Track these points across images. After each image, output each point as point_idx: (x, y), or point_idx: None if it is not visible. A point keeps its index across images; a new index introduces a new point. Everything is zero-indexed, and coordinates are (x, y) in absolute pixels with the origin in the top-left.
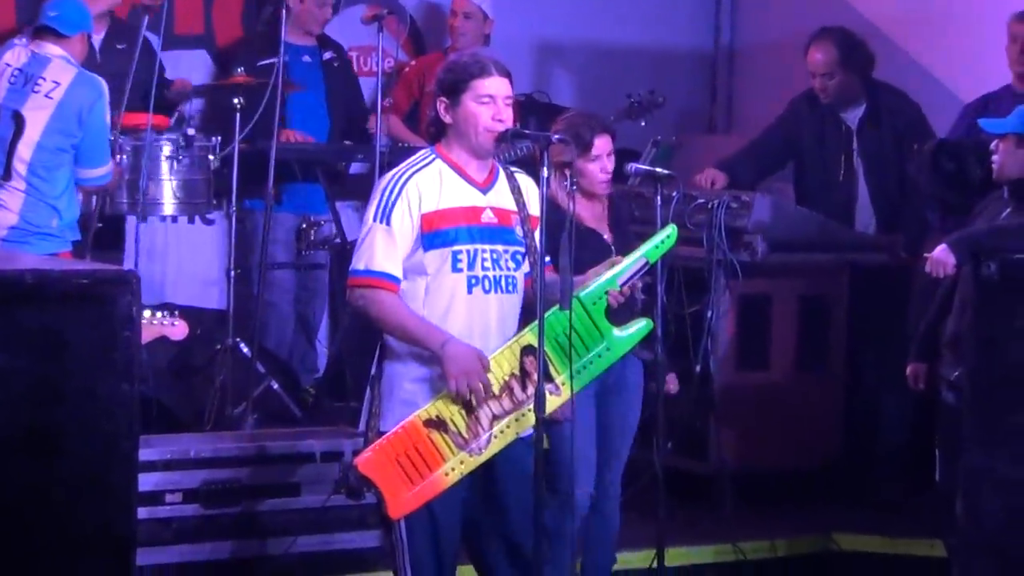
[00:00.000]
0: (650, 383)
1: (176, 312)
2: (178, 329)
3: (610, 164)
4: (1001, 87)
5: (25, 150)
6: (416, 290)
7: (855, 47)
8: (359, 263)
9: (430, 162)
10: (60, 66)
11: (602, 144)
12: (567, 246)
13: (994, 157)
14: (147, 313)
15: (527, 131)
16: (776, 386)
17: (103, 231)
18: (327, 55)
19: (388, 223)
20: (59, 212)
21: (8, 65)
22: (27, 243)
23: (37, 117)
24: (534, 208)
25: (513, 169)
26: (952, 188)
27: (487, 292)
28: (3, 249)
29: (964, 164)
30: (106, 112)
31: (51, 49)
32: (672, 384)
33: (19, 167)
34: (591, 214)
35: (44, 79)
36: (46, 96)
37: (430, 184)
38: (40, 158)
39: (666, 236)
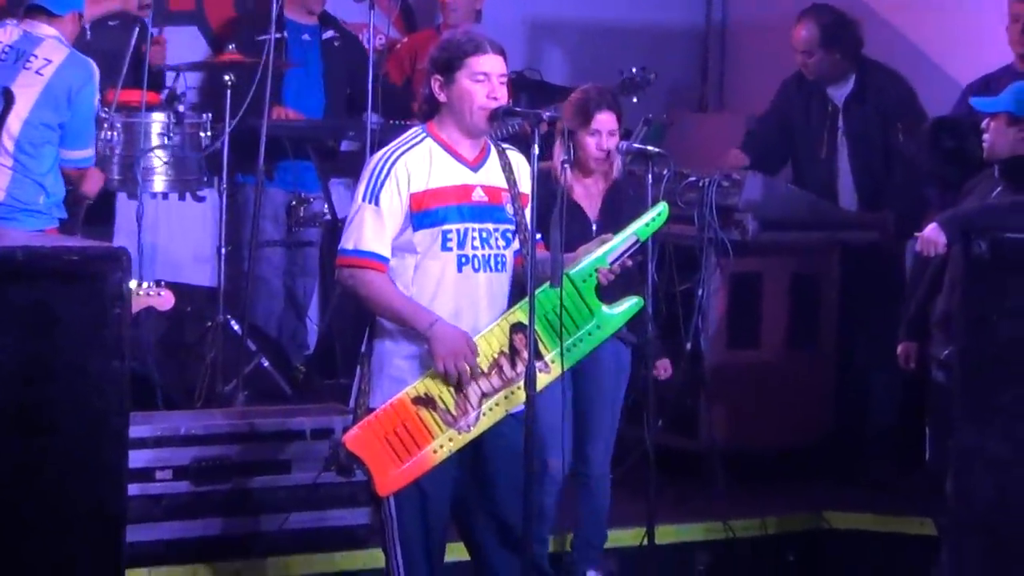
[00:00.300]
0: (639, 362)
1: (162, 283)
2: (164, 299)
3: (609, 142)
4: (1001, 67)
5: (13, 126)
6: (405, 268)
7: (839, 26)
8: (348, 243)
9: (420, 141)
10: (52, 45)
11: (603, 120)
12: (557, 222)
13: (985, 136)
14: (133, 284)
15: (519, 108)
16: (767, 364)
17: (93, 207)
18: (327, 34)
19: (377, 203)
20: (45, 189)
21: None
22: (14, 220)
23: (26, 93)
24: (525, 186)
25: (505, 146)
26: (952, 165)
27: (477, 271)
28: None
29: (964, 141)
30: (95, 96)
31: (44, 29)
32: (664, 370)
33: (7, 143)
34: (584, 190)
35: (36, 56)
36: (36, 73)
37: (420, 163)
38: (28, 134)
39: (657, 214)
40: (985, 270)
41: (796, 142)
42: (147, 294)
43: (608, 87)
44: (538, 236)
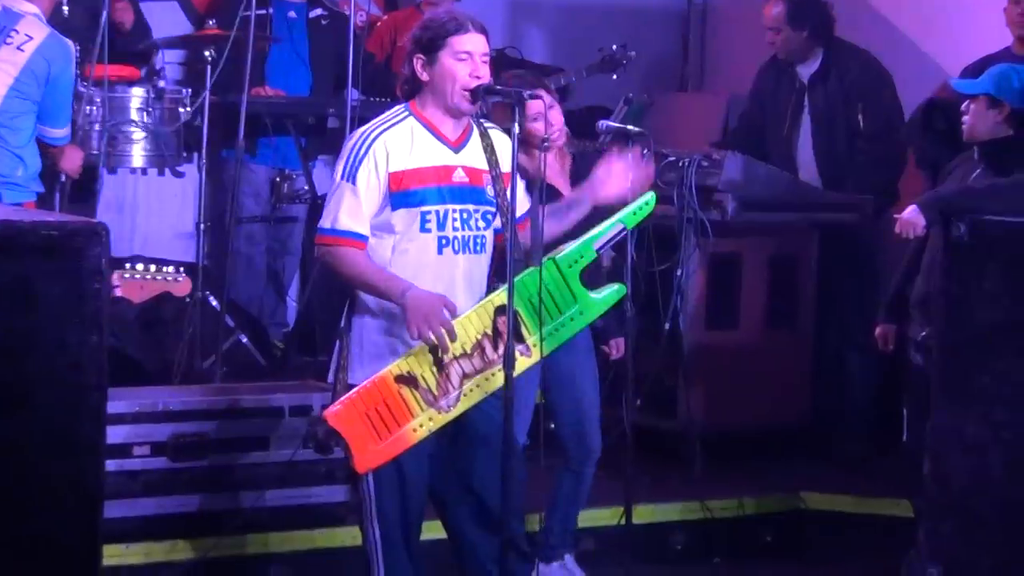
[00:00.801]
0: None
1: (181, 268)
2: (182, 285)
3: (554, 117)
4: (1001, 49)
5: None
6: (384, 249)
7: (805, 5)
8: (326, 221)
9: (402, 119)
10: (32, 21)
11: (535, 106)
12: (535, 204)
13: (965, 118)
14: (153, 267)
15: (499, 87)
16: (745, 345)
17: (73, 182)
18: (315, 12)
19: (354, 182)
20: (24, 162)
21: None
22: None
23: (7, 68)
24: (507, 165)
25: (488, 125)
26: (944, 147)
27: (456, 252)
28: None
29: (956, 123)
30: (73, 75)
31: (24, 5)
32: (616, 349)
33: None
34: (550, 170)
35: (17, 31)
36: (18, 48)
37: (400, 142)
38: (7, 107)
39: (644, 203)
40: (964, 252)
41: (766, 120)
42: (164, 279)
43: (524, 72)
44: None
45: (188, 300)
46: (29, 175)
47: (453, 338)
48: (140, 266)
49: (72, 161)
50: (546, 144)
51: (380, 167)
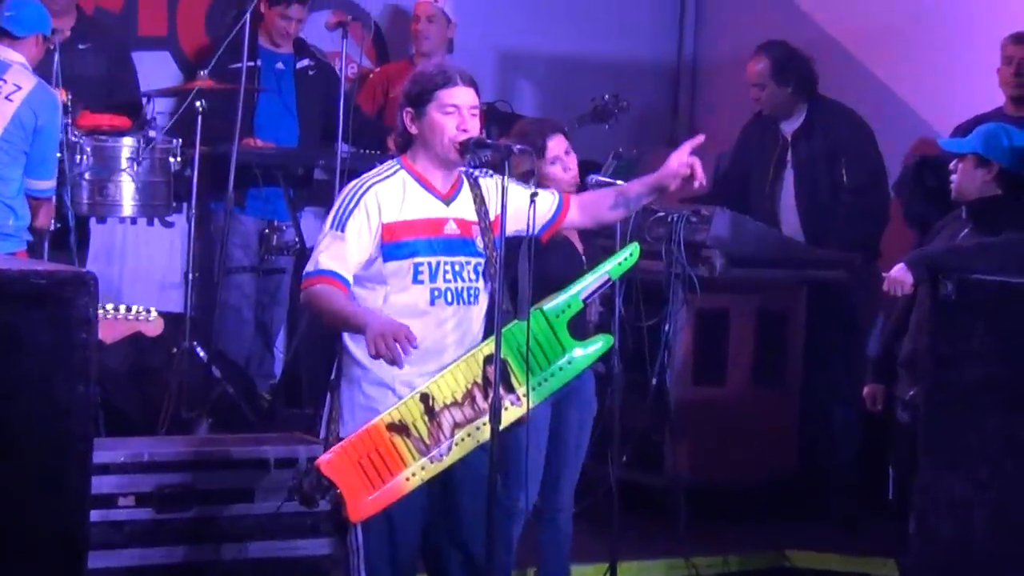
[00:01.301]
0: (605, 395)
1: (152, 309)
2: (153, 325)
3: (571, 162)
4: (992, 110)
5: None
6: (375, 299)
7: (790, 61)
8: (310, 266)
9: (394, 172)
10: (19, 71)
11: (556, 144)
12: (527, 254)
13: (952, 176)
14: (123, 308)
15: (489, 140)
16: (732, 401)
17: (63, 232)
18: (302, 63)
19: (342, 231)
20: (15, 212)
21: None
22: None
23: None
24: (497, 208)
25: (476, 173)
26: (934, 205)
27: (448, 304)
28: None
29: (946, 181)
30: (59, 126)
31: (10, 54)
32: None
33: None
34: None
35: (5, 81)
36: (6, 99)
37: (392, 195)
38: None
39: (628, 255)
40: (951, 311)
41: (749, 176)
42: (136, 319)
43: (541, 117)
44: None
45: (175, 351)
46: (21, 225)
47: (407, 353)
48: (110, 306)
49: (46, 219)
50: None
51: (372, 218)
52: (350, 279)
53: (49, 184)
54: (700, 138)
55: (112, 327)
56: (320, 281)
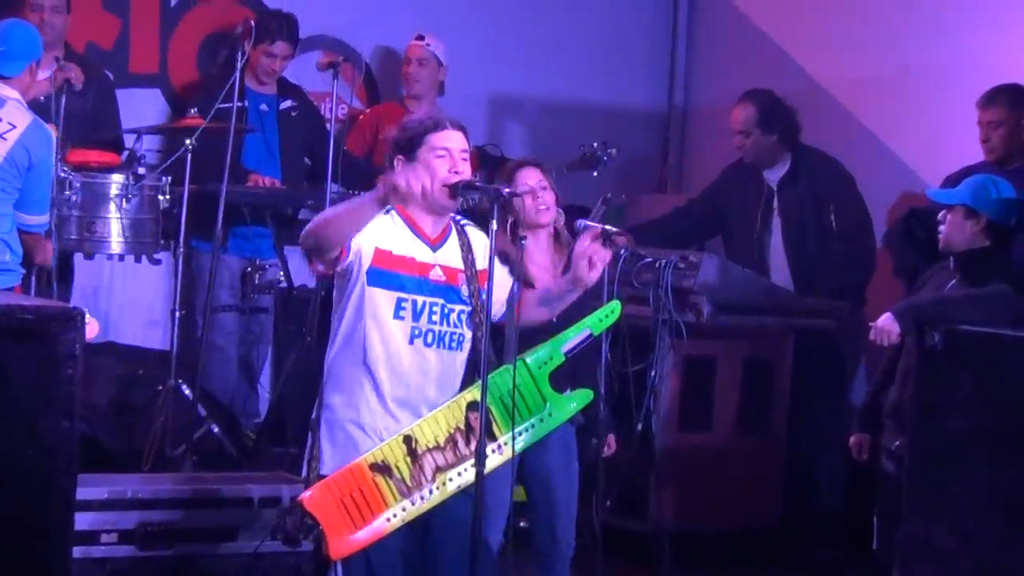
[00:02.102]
0: (590, 441)
1: (86, 311)
2: (89, 328)
3: (547, 198)
4: (981, 161)
5: None
6: (358, 332)
7: (775, 109)
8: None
9: (385, 212)
10: (14, 107)
11: (526, 175)
12: (512, 300)
13: (940, 227)
14: None
15: (479, 183)
16: (717, 448)
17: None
18: (285, 104)
19: None
20: (10, 247)
21: None
22: None
23: None
24: (483, 263)
25: (464, 223)
26: (923, 256)
27: (428, 345)
28: None
29: (935, 232)
30: (53, 163)
31: (5, 90)
32: (608, 446)
33: None
34: (538, 266)
35: (0, 119)
36: (0, 137)
37: (385, 227)
38: None
39: (610, 311)
40: (938, 362)
41: (729, 223)
42: None
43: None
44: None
45: (161, 388)
46: (16, 259)
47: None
48: None
49: (45, 255)
50: (523, 240)
51: (367, 235)
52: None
53: (42, 219)
54: (596, 231)
55: None
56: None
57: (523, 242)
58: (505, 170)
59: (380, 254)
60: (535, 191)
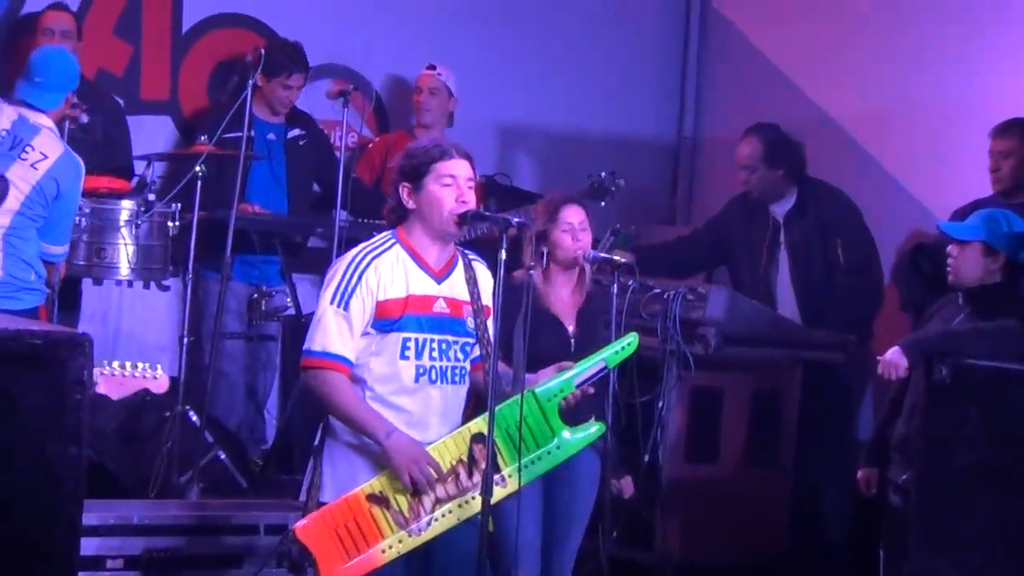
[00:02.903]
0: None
1: (159, 366)
2: (160, 382)
3: (584, 237)
4: (990, 195)
5: (5, 216)
6: (362, 373)
7: (781, 144)
8: (314, 344)
9: (389, 247)
10: (48, 137)
11: (571, 213)
12: (521, 329)
13: (950, 261)
14: (129, 365)
15: (488, 213)
16: (724, 479)
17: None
18: (292, 133)
19: (346, 308)
20: (35, 269)
21: None
22: (16, 297)
23: (20, 185)
24: (488, 298)
25: (472, 257)
26: (931, 289)
27: (433, 382)
28: None
29: (943, 266)
30: (79, 193)
31: (39, 118)
32: (627, 488)
33: None
34: (561, 303)
35: (32, 148)
36: (32, 167)
37: (387, 270)
38: (18, 223)
39: (627, 344)
40: (945, 396)
41: (735, 256)
42: (143, 375)
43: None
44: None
45: (168, 415)
46: (40, 280)
47: (441, 482)
48: (117, 363)
49: (56, 279)
50: (531, 270)
51: (370, 295)
52: (354, 361)
53: (63, 249)
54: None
55: (120, 384)
56: (327, 365)
57: (531, 273)
58: (548, 204)
59: (382, 306)
60: (576, 231)
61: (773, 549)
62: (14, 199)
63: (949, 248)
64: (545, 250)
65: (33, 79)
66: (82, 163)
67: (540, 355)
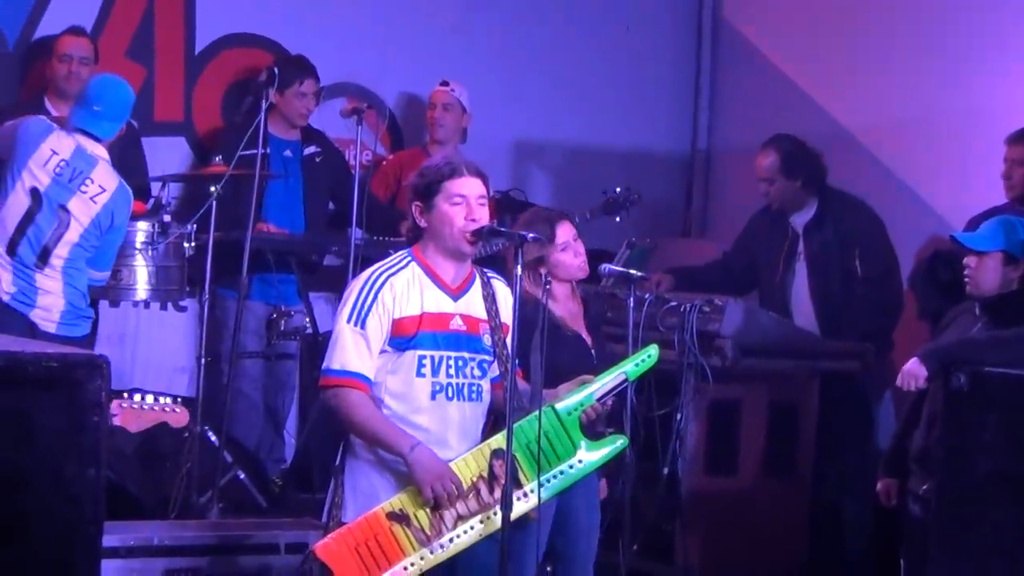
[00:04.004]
0: (617, 483)
1: (178, 399)
2: (180, 416)
3: (579, 248)
4: (1005, 203)
5: (64, 247)
6: (379, 391)
7: (799, 155)
8: (333, 363)
9: (405, 265)
10: (105, 170)
11: (564, 231)
12: (538, 346)
13: (967, 272)
14: (150, 398)
15: (502, 228)
16: (744, 491)
17: None
18: (309, 150)
19: (363, 327)
20: (85, 296)
21: (55, 153)
22: (76, 325)
23: (80, 219)
24: (507, 315)
25: (491, 275)
26: (948, 298)
27: (450, 399)
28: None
29: (960, 274)
30: (127, 222)
31: (96, 148)
32: (602, 491)
33: (56, 261)
34: (569, 314)
35: (92, 181)
36: (91, 200)
37: (403, 288)
38: (75, 254)
39: (647, 356)
40: (964, 404)
41: (758, 268)
42: (163, 409)
43: (546, 206)
44: (518, 362)
45: (187, 435)
46: (89, 306)
47: (462, 498)
48: (138, 396)
49: None
50: (548, 287)
51: (387, 314)
52: (372, 378)
53: (105, 275)
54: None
55: (138, 417)
56: (347, 383)
57: (548, 288)
58: (538, 224)
59: (398, 324)
60: (572, 246)
61: (793, 560)
62: (74, 231)
63: (967, 260)
64: (544, 271)
65: (92, 107)
66: (132, 194)
67: (564, 370)
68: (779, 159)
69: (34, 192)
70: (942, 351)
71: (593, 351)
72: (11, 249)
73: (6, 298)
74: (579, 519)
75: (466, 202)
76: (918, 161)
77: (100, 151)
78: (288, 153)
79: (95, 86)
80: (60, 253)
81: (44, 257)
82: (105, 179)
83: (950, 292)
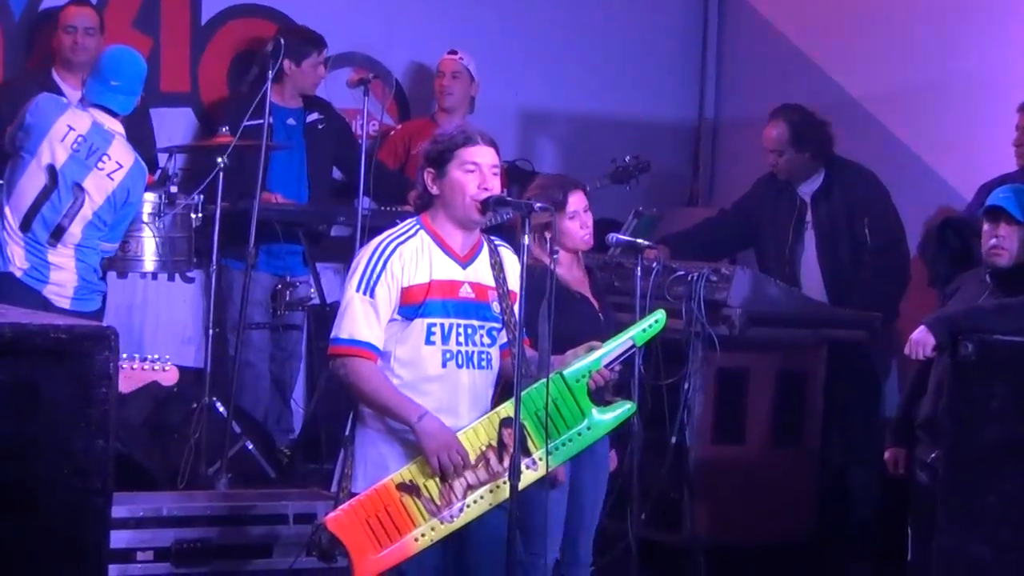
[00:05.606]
0: (625, 451)
1: (167, 357)
2: (169, 374)
3: (588, 220)
4: (1016, 170)
5: (78, 225)
6: (388, 360)
7: (808, 126)
8: (341, 332)
9: (414, 233)
10: (122, 146)
11: (576, 200)
12: (547, 314)
13: (994, 241)
14: (137, 358)
15: (510, 198)
16: (751, 460)
17: None
18: (311, 117)
19: (372, 295)
20: (98, 269)
21: (71, 128)
22: (90, 299)
23: (96, 195)
24: (514, 283)
25: (498, 243)
26: (957, 265)
27: (460, 367)
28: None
29: (970, 241)
30: (142, 198)
31: (113, 123)
32: (612, 462)
33: (71, 237)
34: (576, 280)
35: (108, 157)
36: (108, 176)
37: (412, 256)
38: (88, 230)
39: (655, 321)
40: (972, 372)
41: (762, 236)
42: (151, 368)
43: (561, 173)
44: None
45: (195, 406)
46: (101, 279)
47: (468, 468)
48: (124, 354)
49: None
50: (556, 256)
51: (396, 282)
52: (381, 347)
53: (114, 246)
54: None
55: (128, 377)
56: (355, 352)
57: (556, 256)
58: (548, 191)
59: (407, 292)
60: (580, 216)
61: (801, 529)
62: (88, 208)
63: (995, 229)
64: (549, 237)
65: (108, 82)
66: (147, 168)
67: (575, 335)
68: (788, 130)
69: (51, 169)
70: (949, 319)
71: (601, 316)
72: (25, 225)
73: (19, 274)
74: (586, 490)
75: (479, 170)
76: (926, 130)
77: (116, 126)
78: (291, 121)
79: (110, 59)
80: (74, 231)
81: (57, 234)
82: (122, 155)
83: (960, 260)
